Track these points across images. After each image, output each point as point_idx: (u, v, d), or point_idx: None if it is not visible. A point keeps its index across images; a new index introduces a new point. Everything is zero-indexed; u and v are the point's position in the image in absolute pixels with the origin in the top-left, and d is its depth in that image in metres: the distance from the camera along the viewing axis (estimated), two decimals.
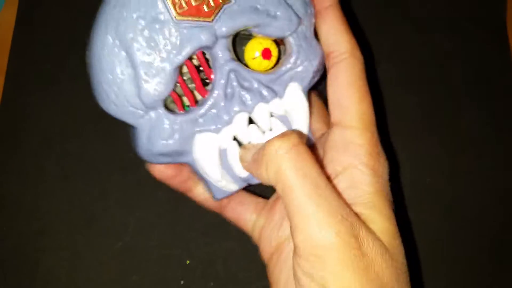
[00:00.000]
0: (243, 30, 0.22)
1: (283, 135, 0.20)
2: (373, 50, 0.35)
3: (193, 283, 0.30)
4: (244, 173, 0.23)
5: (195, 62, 0.23)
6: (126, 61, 0.21)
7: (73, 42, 0.33)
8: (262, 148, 0.20)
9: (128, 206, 0.31)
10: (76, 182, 0.31)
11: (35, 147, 0.32)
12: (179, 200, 0.31)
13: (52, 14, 0.34)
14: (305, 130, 0.23)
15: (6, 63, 0.34)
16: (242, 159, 0.23)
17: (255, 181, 0.23)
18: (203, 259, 0.30)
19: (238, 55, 0.23)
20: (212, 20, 0.22)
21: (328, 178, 0.21)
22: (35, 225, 0.30)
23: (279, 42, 0.24)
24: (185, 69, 0.23)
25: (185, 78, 0.22)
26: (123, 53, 0.21)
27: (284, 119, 0.23)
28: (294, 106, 0.23)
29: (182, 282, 0.30)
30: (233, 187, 0.24)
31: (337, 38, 0.23)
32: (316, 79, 0.24)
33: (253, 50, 0.23)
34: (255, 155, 0.21)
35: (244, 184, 0.23)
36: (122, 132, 0.27)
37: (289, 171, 0.19)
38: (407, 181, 0.32)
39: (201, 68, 0.23)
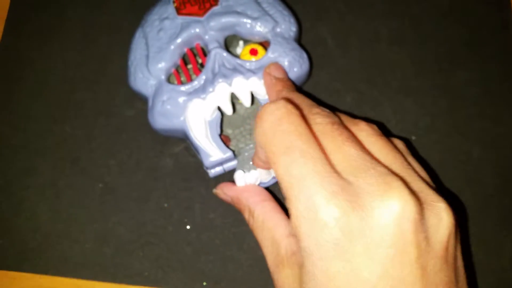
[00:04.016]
0: (234, 36, 0.32)
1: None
2: (368, 5, 0.35)
3: (170, 225, 0.29)
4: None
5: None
6: (144, 47, 0.31)
7: None
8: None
9: (110, 150, 0.31)
10: (63, 125, 0.32)
11: (28, 91, 0.36)
12: (162, 146, 0.31)
13: None
14: None
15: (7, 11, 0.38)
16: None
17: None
18: (181, 204, 0.30)
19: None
20: (203, 16, 0.31)
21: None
22: (21, 164, 0.32)
23: (266, 45, 0.31)
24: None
25: (189, 67, 0.31)
26: (143, 41, 0.31)
27: (267, 102, 0.29)
28: None
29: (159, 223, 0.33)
30: (220, 154, 0.29)
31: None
32: (298, 76, 0.30)
33: (244, 50, 0.30)
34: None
35: (229, 153, 0.29)
36: (108, 82, 0.33)
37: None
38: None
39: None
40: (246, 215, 0.27)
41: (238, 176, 0.29)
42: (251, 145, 0.30)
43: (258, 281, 0.31)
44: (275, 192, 0.29)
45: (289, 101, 0.23)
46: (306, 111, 0.23)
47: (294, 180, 0.20)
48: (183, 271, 0.31)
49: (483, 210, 0.33)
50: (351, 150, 0.21)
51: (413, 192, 0.20)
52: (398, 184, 0.19)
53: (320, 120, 0.22)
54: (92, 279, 0.31)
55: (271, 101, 0.23)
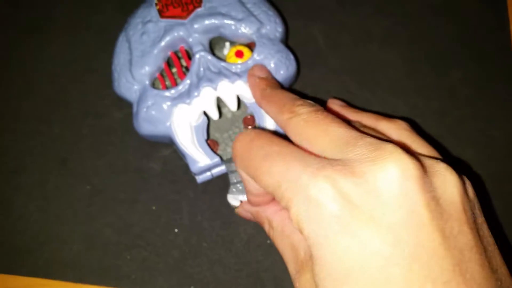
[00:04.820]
0: (220, 38, 0.31)
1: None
2: (360, 4, 0.34)
3: (157, 227, 0.29)
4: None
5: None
6: (128, 51, 0.31)
7: None
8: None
9: (98, 151, 0.31)
10: (51, 125, 0.32)
11: (16, 91, 0.36)
12: (151, 148, 0.31)
13: None
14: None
15: None
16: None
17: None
18: (169, 206, 0.30)
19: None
20: (186, 19, 0.30)
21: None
22: (10, 164, 0.31)
23: (252, 47, 0.30)
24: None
25: (173, 70, 0.30)
26: (127, 45, 0.31)
27: (255, 106, 0.29)
28: None
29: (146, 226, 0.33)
30: (206, 160, 0.28)
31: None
32: (285, 78, 0.30)
33: (230, 53, 0.30)
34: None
35: (216, 159, 0.29)
36: (97, 82, 0.32)
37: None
38: None
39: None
40: (266, 227, 0.26)
41: (230, 199, 0.29)
42: None
43: (245, 285, 0.31)
44: None
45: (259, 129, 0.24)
46: (289, 104, 0.23)
47: (277, 178, 0.19)
48: (170, 274, 0.31)
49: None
50: (337, 130, 0.20)
51: (412, 155, 0.18)
52: (392, 146, 0.18)
53: (304, 110, 0.22)
54: (79, 281, 0.31)
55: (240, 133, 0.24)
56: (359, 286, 0.17)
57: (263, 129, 0.25)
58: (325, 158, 0.19)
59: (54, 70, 0.36)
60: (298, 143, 0.21)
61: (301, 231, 0.19)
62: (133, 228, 0.32)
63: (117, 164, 0.33)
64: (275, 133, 0.24)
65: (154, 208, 0.32)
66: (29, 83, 0.35)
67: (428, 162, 0.19)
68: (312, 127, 0.21)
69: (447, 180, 0.18)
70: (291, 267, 0.23)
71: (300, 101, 0.24)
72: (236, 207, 0.29)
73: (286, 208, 0.19)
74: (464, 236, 0.18)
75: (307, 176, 0.18)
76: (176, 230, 0.32)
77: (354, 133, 0.20)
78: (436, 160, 0.19)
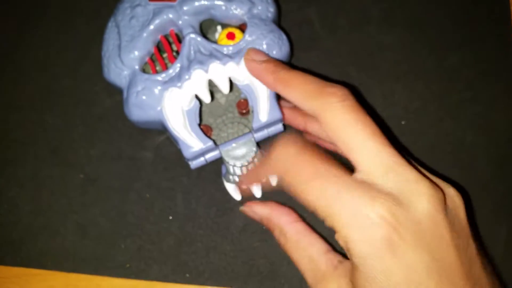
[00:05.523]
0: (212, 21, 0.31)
1: None
2: None
3: (151, 215, 0.29)
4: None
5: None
6: (117, 36, 0.30)
7: None
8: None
9: (91, 139, 0.31)
10: (43, 114, 0.31)
11: (8, 80, 0.35)
12: (143, 135, 0.30)
13: None
14: (265, 97, 0.28)
15: None
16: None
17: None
18: (163, 194, 0.29)
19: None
20: (175, 1, 0.30)
21: None
22: (2, 154, 0.31)
23: (244, 29, 0.30)
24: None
25: (164, 55, 0.30)
26: (116, 30, 0.30)
27: (247, 88, 0.28)
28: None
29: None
30: (199, 145, 0.28)
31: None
32: (278, 59, 0.28)
33: (221, 35, 0.29)
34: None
35: (210, 143, 0.28)
36: (89, 70, 0.32)
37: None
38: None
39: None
40: (277, 234, 0.27)
41: (231, 189, 0.29)
42: (233, 144, 0.29)
43: (241, 272, 0.30)
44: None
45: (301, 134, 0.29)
46: (318, 90, 0.24)
47: (332, 198, 0.21)
48: (165, 262, 0.30)
49: (477, 197, 0.32)
50: (379, 147, 0.22)
51: (437, 187, 0.22)
52: (424, 179, 0.22)
53: (336, 100, 0.23)
54: (73, 271, 0.31)
55: (286, 136, 0.24)
56: None
57: (297, 136, 0.24)
58: (368, 181, 0.22)
59: (46, 59, 0.35)
60: (332, 134, 0.23)
61: (348, 251, 0.21)
62: (127, 217, 0.32)
63: (110, 152, 0.33)
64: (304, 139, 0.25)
65: (148, 196, 0.32)
66: (20, 71, 0.35)
67: (445, 189, 0.23)
68: (350, 126, 0.22)
69: (456, 205, 0.23)
70: (311, 278, 0.25)
71: (330, 87, 0.23)
72: (241, 206, 0.29)
73: (333, 228, 0.21)
74: (470, 248, 0.22)
75: (364, 202, 0.21)
76: (170, 218, 0.31)
77: (396, 157, 0.22)
78: (448, 186, 0.23)
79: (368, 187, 0.21)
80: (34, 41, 0.36)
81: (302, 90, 0.24)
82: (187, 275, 0.30)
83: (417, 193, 0.21)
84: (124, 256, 0.31)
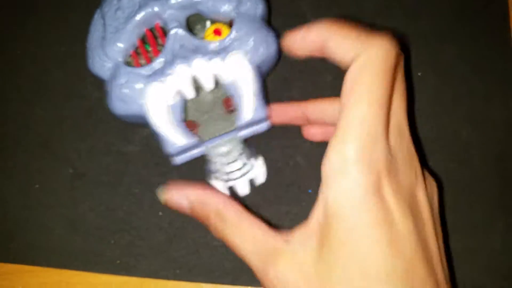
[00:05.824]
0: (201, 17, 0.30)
1: None
2: None
3: (141, 211, 0.28)
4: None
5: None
6: (102, 28, 0.30)
7: None
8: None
9: (80, 133, 0.30)
10: (33, 107, 0.31)
11: None
12: (133, 129, 0.32)
13: None
14: (251, 95, 0.27)
15: None
16: None
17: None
18: (153, 189, 0.29)
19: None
20: None
21: None
22: None
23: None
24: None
25: (149, 49, 0.29)
26: (101, 21, 0.30)
27: (232, 86, 0.28)
28: (238, 72, 0.28)
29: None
30: (183, 141, 0.27)
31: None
32: (265, 57, 0.28)
33: (208, 31, 0.29)
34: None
35: (194, 139, 0.27)
36: (79, 62, 0.30)
37: None
38: None
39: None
40: (212, 220, 0.24)
41: (218, 187, 0.28)
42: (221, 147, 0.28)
43: (231, 268, 0.30)
44: None
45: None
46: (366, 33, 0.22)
47: None
48: (155, 258, 0.30)
49: (473, 192, 0.32)
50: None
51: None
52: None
53: (383, 43, 0.22)
54: (62, 267, 0.30)
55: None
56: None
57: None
58: None
59: (36, 51, 0.35)
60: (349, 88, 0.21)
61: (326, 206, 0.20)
62: (116, 212, 0.31)
63: (99, 147, 0.33)
64: None
65: (137, 191, 0.31)
66: (10, 64, 0.35)
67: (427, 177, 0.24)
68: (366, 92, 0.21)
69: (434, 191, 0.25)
70: (256, 260, 0.22)
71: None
72: (162, 195, 0.26)
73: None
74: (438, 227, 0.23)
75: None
76: (160, 213, 0.31)
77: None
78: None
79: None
80: (25, 34, 0.35)
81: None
82: (178, 271, 0.30)
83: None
84: (114, 251, 0.31)
